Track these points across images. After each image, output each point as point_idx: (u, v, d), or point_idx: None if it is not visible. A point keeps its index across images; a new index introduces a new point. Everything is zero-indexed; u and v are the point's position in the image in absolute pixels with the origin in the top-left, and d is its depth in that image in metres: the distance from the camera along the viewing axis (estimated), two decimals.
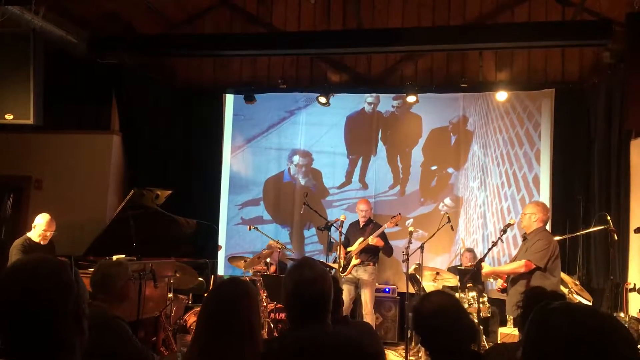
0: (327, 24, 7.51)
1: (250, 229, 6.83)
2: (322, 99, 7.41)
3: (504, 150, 7.34)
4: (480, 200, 7.39)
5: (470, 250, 6.91)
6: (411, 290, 6.02)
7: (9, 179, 7.18)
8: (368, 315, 6.22)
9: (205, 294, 2.24)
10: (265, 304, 5.86)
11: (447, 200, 7.52)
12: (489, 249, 5.10)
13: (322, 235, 7.08)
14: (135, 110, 7.36)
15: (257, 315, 2.06)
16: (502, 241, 4.99)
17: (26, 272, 1.40)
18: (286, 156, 8.05)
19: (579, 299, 5.38)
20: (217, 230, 7.56)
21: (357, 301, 6.49)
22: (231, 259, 6.92)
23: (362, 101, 7.90)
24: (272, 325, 5.86)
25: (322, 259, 6.43)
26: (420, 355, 5.95)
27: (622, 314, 5.42)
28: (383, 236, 6.33)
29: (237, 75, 8.11)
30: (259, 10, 7.83)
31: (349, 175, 7.88)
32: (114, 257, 4.75)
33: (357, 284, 6.32)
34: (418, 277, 5.88)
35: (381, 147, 7.80)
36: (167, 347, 5.28)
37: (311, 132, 8.01)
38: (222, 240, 7.81)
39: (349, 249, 6.37)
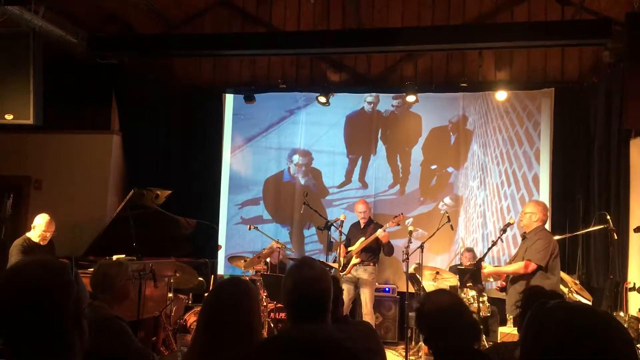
0: (326, 24, 7.51)
1: (250, 229, 6.83)
2: (322, 99, 7.41)
3: (503, 149, 7.35)
4: (480, 200, 7.40)
5: (470, 250, 6.91)
6: (411, 289, 6.03)
7: (9, 179, 7.18)
8: (368, 315, 6.22)
9: (206, 294, 2.24)
10: (265, 304, 5.86)
11: (447, 200, 7.53)
12: (489, 249, 5.11)
13: (322, 234, 7.09)
14: (135, 110, 7.36)
15: (257, 315, 2.07)
16: (502, 240, 4.99)
17: (26, 273, 1.41)
18: (286, 156, 8.05)
19: (578, 298, 5.39)
20: (217, 230, 7.55)
21: (356, 301, 6.49)
22: (231, 259, 6.93)
23: (362, 101, 7.90)
24: (272, 325, 5.86)
25: (322, 258, 6.43)
26: (420, 354, 5.95)
27: (621, 313, 5.43)
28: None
29: (237, 75, 8.12)
30: (259, 10, 7.83)
31: (349, 175, 7.89)
32: (114, 257, 4.76)
33: (356, 284, 6.32)
34: (418, 276, 5.88)
35: (381, 147, 7.81)
36: (167, 347, 5.29)
37: (311, 131, 8.01)
38: (222, 239, 7.82)
39: (349, 249, 6.38)
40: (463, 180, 7.53)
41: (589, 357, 1.06)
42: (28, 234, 5.50)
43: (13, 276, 1.42)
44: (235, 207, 8.08)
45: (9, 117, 5.29)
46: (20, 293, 1.36)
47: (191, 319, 5.85)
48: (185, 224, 6.46)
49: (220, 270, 7.72)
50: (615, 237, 5.46)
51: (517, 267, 4.67)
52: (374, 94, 7.82)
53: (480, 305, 5.29)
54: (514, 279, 4.76)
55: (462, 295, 5.47)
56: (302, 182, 7.96)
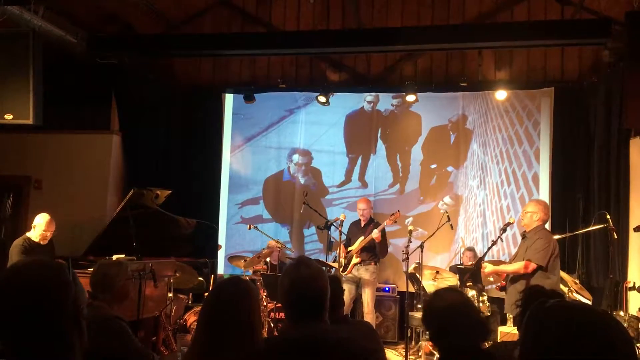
0: (326, 24, 7.51)
1: (250, 228, 6.83)
2: (322, 98, 7.41)
3: (503, 148, 7.35)
4: (480, 199, 7.40)
5: (471, 249, 6.91)
6: (411, 289, 6.03)
7: (9, 179, 7.18)
8: (368, 314, 6.22)
9: (206, 294, 2.24)
10: (265, 304, 5.86)
11: (447, 199, 7.53)
12: (489, 248, 5.12)
13: (321, 234, 7.09)
14: (135, 110, 7.37)
15: (257, 314, 2.07)
16: (502, 240, 5.00)
17: (25, 274, 1.41)
18: (286, 155, 8.05)
19: (578, 297, 5.38)
20: (217, 230, 7.55)
21: (357, 300, 6.49)
22: (231, 259, 6.93)
23: (362, 100, 7.90)
24: (272, 325, 5.86)
25: (322, 258, 6.44)
26: (420, 354, 5.95)
27: (621, 313, 5.43)
28: (382, 235, 6.33)
29: (237, 75, 8.12)
30: (258, 9, 7.84)
31: (349, 174, 7.89)
32: (114, 257, 4.76)
33: (358, 284, 6.32)
34: (418, 276, 5.88)
35: (381, 146, 7.81)
36: (167, 346, 5.30)
37: (311, 131, 8.01)
38: (222, 239, 7.82)
39: (349, 248, 6.38)
40: (463, 179, 7.53)
41: (589, 357, 1.06)
42: (28, 234, 5.50)
43: (12, 276, 1.42)
44: (235, 207, 8.08)
45: (8, 117, 5.29)
46: (20, 293, 1.36)
47: (191, 318, 5.85)
48: (185, 223, 6.46)
49: (220, 270, 7.72)
50: (615, 237, 5.45)
51: (517, 267, 4.67)
52: (373, 93, 7.82)
53: (480, 304, 5.29)
54: (513, 278, 4.76)
55: None
56: (302, 181, 7.96)
